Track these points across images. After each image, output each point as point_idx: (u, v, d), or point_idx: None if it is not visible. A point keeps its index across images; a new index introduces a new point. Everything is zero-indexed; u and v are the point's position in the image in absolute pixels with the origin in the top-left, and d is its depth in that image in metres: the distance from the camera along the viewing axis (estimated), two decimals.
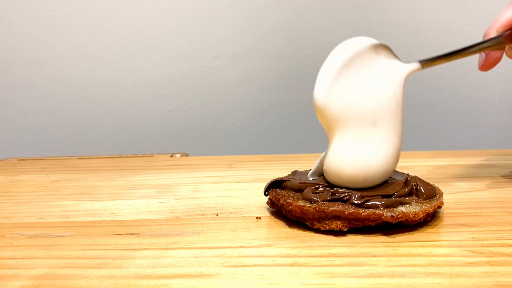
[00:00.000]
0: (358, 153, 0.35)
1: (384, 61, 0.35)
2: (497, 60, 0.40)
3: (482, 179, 0.47)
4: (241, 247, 0.31)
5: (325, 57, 0.36)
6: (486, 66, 0.40)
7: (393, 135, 0.36)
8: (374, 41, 0.35)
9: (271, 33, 0.77)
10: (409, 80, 0.82)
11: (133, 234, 0.34)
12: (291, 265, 0.28)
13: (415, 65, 0.36)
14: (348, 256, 0.29)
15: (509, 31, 0.38)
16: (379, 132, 0.35)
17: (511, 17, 0.38)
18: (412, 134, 0.79)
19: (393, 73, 0.36)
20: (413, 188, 0.36)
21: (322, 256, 0.29)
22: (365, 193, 0.34)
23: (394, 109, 0.35)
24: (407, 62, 0.36)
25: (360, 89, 0.35)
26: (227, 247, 0.31)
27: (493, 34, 0.39)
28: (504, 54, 0.40)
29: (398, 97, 0.36)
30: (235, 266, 0.28)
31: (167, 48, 0.78)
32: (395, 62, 0.36)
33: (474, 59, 0.77)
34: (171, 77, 0.79)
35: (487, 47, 0.39)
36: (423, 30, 0.76)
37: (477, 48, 0.38)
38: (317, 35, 0.76)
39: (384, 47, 0.35)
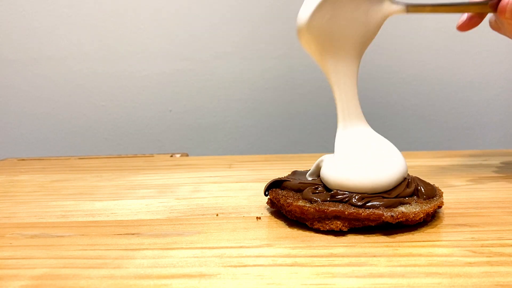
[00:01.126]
0: (360, 169, 0.35)
1: None
2: (476, 23, 0.41)
3: (482, 179, 0.47)
4: (241, 247, 0.31)
5: None
6: (464, 26, 0.42)
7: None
8: None
9: (271, 33, 0.77)
10: (409, 79, 0.82)
11: (133, 234, 0.34)
12: (291, 265, 0.28)
13: (400, 7, 0.37)
14: (348, 256, 0.29)
15: (495, 0, 0.39)
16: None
17: None
18: (412, 134, 0.79)
19: (376, 10, 0.36)
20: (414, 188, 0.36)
21: (322, 256, 0.29)
22: (366, 194, 0.34)
23: (363, 44, 0.37)
24: (396, 2, 0.37)
25: (342, 20, 0.35)
26: (227, 247, 0.31)
27: None
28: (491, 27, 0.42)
29: (372, 35, 0.37)
30: (235, 266, 0.28)
31: (167, 48, 0.78)
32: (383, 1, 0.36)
33: (473, 59, 0.77)
34: (171, 77, 0.79)
35: (472, 9, 0.40)
36: None
37: (462, 6, 0.39)
38: None
39: None
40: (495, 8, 0.39)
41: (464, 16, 0.41)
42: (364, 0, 0.35)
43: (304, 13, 0.35)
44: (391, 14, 0.37)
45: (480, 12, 0.41)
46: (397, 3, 0.37)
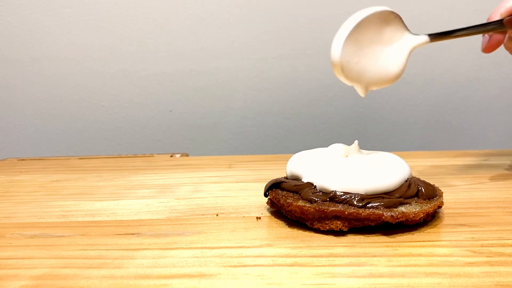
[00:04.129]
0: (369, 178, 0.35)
1: (393, 31, 0.38)
2: (499, 43, 0.42)
3: (482, 179, 0.47)
4: (241, 247, 0.31)
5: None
6: (488, 48, 0.42)
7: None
8: (386, 8, 0.37)
9: (271, 33, 0.77)
10: (409, 79, 0.82)
11: (133, 234, 0.34)
12: (291, 265, 0.28)
13: (424, 38, 0.39)
14: (348, 256, 0.29)
15: (510, 17, 0.40)
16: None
17: None
18: (412, 134, 0.79)
19: (401, 44, 0.38)
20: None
21: (322, 256, 0.29)
22: (366, 195, 0.34)
23: (392, 80, 0.39)
24: (416, 34, 0.39)
25: (369, 52, 0.38)
26: (227, 247, 0.31)
27: (496, 17, 0.41)
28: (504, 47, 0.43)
29: (401, 69, 0.39)
30: (235, 266, 0.28)
31: (167, 48, 0.78)
32: (404, 33, 0.38)
33: (473, 59, 0.77)
34: (171, 77, 0.79)
35: (489, 30, 0.41)
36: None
37: (480, 29, 0.41)
38: (317, 35, 0.76)
39: (395, 17, 0.38)
40: (511, 24, 0.40)
41: (486, 38, 0.42)
42: (385, 34, 0.38)
43: (334, 51, 0.37)
44: (416, 47, 0.39)
45: (499, 31, 0.41)
46: (419, 34, 0.39)
